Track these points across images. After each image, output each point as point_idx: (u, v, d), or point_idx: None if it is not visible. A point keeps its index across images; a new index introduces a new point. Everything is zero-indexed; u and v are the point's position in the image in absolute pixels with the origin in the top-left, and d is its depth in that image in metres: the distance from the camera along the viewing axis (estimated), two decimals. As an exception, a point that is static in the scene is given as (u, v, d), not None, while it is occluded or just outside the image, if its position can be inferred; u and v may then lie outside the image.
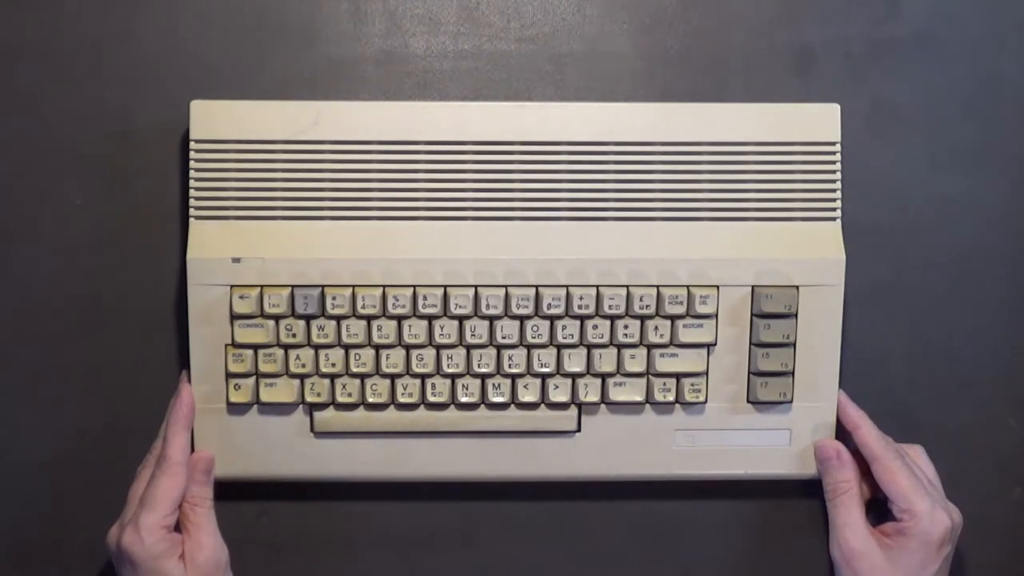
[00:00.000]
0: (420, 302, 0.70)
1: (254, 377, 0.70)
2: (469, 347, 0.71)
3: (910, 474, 0.69)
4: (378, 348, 0.70)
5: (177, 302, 0.73)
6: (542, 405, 0.72)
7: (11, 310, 0.73)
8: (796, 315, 0.71)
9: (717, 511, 0.76)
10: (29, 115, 0.72)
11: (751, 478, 0.73)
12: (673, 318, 0.71)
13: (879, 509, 0.73)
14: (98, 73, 0.72)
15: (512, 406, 0.72)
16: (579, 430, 0.72)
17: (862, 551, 0.69)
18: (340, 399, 0.71)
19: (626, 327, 0.71)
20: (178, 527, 0.68)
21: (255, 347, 0.70)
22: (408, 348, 0.71)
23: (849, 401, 0.72)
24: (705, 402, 0.72)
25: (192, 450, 0.71)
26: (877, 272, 0.75)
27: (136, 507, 0.67)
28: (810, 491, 0.74)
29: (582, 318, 0.71)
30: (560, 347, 0.71)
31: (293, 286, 0.70)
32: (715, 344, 0.71)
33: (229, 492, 0.71)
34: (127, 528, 0.66)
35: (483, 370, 0.71)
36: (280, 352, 0.70)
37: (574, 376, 0.71)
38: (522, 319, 0.70)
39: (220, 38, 0.73)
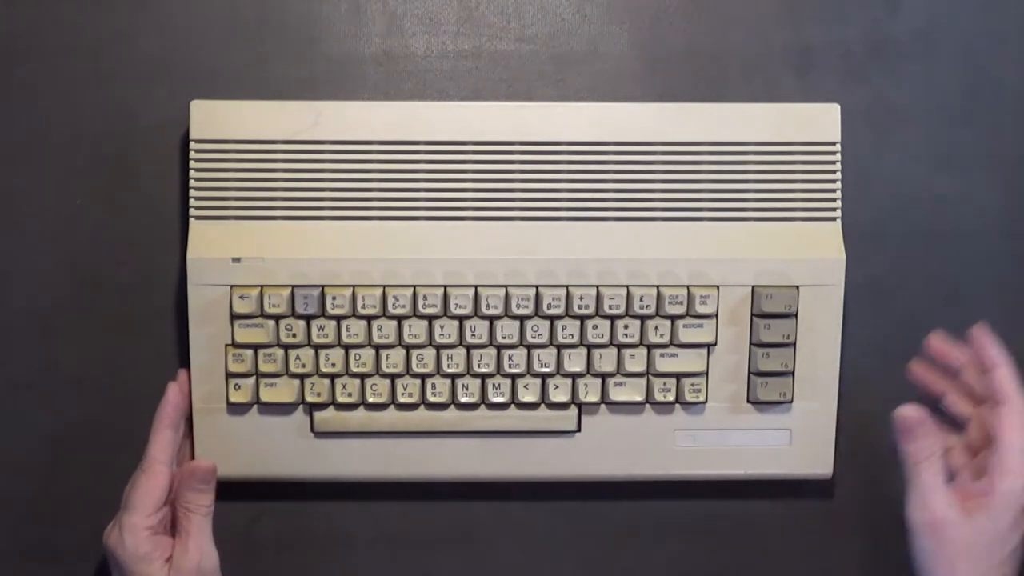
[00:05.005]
0: (420, 302, 0.70)
1: (254, 377, 0.70)
2: (469, 347, 0.71)
3: None
4: (378, 348, 0.70)
5: (177, 302, 0.73)
6: (542, 405, 0.72)
7: (11, 309, 0.73)
8: (796, 315, 0.71)
9: (717, 511, 0.76)
10: (29, 115, 0.72)
11: (751, 478, 0.73)
12: (673, 318, 0.71)
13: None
14: (98, 73, 0.72)
15: (512, 406, 0.72)
16: (579, 430, 0.72)
17: (946, 517, 0.66)
18: (340, 399, 0.71)
19: (626, 327, 0.71)
20: (173, 528, 0.68)
21: (255, 347, 0.70)
22: (408, 348, 0.71)
23: (991, 337, 0.68)
24: (705, 402, 0.72)
25: (192, 451, 0.71)
26: (877, 272, 0.75)
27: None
28: (810, 491, 0.74)
29: (582, 318, 0.71)
30: (560, 347, 0.71)
31: (293, 286, 0.70)
32: (715, 344, 0.71)
33: (229, 492, 0.71)
34: (112, 529, 0.66)
35: (483, 370, 0.71)
36: (280, 352, 0.70)
37: (574, 376, 0.71)
38: (522, 319, 0.70)
39: (220, 38, 0.73)
